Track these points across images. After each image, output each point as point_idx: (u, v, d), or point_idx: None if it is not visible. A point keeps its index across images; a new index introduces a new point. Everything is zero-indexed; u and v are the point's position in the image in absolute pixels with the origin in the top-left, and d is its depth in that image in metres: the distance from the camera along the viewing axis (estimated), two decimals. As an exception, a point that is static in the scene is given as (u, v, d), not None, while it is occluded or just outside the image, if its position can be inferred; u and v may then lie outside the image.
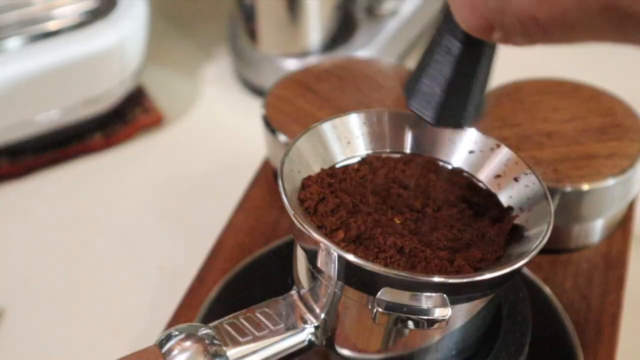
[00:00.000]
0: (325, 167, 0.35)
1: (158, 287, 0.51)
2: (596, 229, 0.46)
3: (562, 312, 0.41)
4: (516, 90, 0.49)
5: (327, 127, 0.36)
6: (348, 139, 0.37)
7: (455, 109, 0.30)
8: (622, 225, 0.47)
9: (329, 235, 0.32)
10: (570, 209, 0.43)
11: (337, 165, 0.36)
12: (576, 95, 0.48)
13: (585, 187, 0.42)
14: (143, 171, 0.61)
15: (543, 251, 0.45)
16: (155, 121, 0.64)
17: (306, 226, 0.31)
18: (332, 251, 0.30)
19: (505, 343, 0.36)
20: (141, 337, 0.47)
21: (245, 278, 0.44)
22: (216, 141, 0.63)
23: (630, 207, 0.48)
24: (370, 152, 0.37)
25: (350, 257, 0.30)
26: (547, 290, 0.42)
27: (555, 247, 0.45)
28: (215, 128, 0.65)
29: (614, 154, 0.44)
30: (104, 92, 0.60)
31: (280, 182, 0.32)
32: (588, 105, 0.47)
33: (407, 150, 0.37)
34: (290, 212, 0.31)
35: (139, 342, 0.47)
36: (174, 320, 0.43)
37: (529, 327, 0.36)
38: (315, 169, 0.35)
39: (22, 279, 0.52)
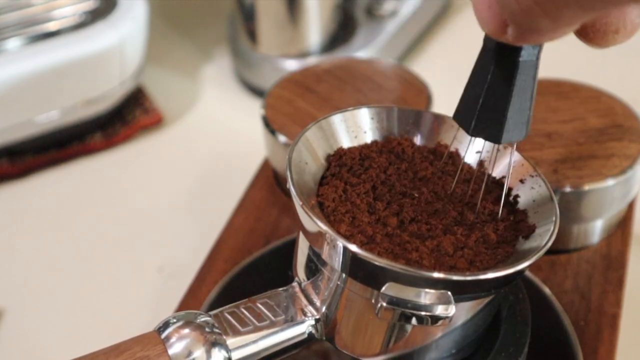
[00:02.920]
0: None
1: (158, 287, 0.51)
2: (596, 229, 0.46)
3: (562, 312, 0.41)
4: (516, 91, 0.49)
5: (337, 120, 0.36)
6: (356, 133, 0.37)
7: (493, 121, 0.31)
8: (622, 226, 0.47)
9: (337, 225, 0.32)
10: (569, 209, 0.43)
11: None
12: (576, 95, 0.48)
13: (584, 187, 0.42)
14: (143, 171, 0.61)
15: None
16: (155, 121, 0.64)
17: (313, 217, 0.31)
18: (338, 243, 0.30)
19: (504, 343, 0.36)
20: (141, 337, 0.47)
21: (245, 278, 0.44)
22: (216, 141, 0.63)
23: (630, 208, 0.48)
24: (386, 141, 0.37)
25: (358, 250, 0.30)
26: (547, 290, 0.42)
27: (555, 248, 0.45)
28: (215, 128, 0.65)
29: (613, 154, 0.44)
30: (104, 92, 0.60)
31: (288, 171, 0.32)
32: (588, 105, 0.47)
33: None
34: (298, 202, 0.31)
35: (138, 342, 0.47)
36: (174, 321, 0.43)
37: (529, 328, 0.36)
38: (323, 160, 0.35)
39: (22, 279, 0.52)
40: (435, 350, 0.33)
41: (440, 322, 0.30)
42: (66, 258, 0.53)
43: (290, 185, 0.32)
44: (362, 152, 0.36)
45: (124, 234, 0.55)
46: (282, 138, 0.47)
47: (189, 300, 0.44)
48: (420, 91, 0.50)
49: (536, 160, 0.43)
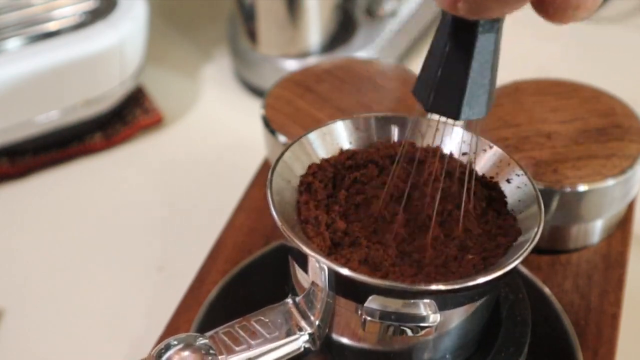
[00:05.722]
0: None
1: (158, 288, 0.51)
2: (596, 229, 0.46)
3: (562, 312, 0.41)
4: (516, 91, 0.49)
5: (314, 137, 0.36)
6: (341, 145, 0.37)
7: (451, 96, 0.29)
8: (622, 226, 0.47)
9: (316, 242, 0.32)
10: (569, 209, 0.43)
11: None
12: (576, 95, 0.48)
13: (584, 187, 0.42)
14: (143, 171, 0.61)
15: (543, 251, 0.45)
16: (155, 121, 0.64)
17: (295, 239, 0.31)
18: (320, 263, 0.30)
19: (504, 343, 0.36)
20: (140, 337, 0.47)
21: (245, 279, 0.44)
22: (216, 141, 0.63)
23: (630, 208, 0.48)
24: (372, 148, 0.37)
25: (336, 268, 0.30)
26: (547, 290, 0.42)
27: (555, 248, 0.45)
28: (215, 128, 0.65)
29: (613, 154, 0.44)
30: (104, 92, 0.60)
31: (268, 191, 0.33)
32: (588, 105, 0.47)
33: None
34: (279, 223, 0.31)
35: (138, 342, 0.47)
36: (174, 321, 0.43)
37: (528, 328, 0.36)
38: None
39: (22, 279, 0.52)
40: (429, 355, 0.33)
41: (425, 331, 0.31)
42: (66, 258, 0.53)
43: (272, 209, 0.32)
44: (342, 164, 0.36)
45: (123, 234, 0.55)
46: (282, 138, 0.47)
47: (189, 301, 0.44)
48: (420, 91, 0.50)
49: (536, 160, 0.43)
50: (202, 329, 0.41)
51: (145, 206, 0.57)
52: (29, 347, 0.48)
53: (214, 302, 0.42)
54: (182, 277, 0.47)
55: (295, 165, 0.35)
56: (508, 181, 0.35)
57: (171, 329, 0.43)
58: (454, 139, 0.37)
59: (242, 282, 0.44)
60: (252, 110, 0.62)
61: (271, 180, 0.33)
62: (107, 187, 0.59)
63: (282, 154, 0.35)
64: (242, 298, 0.43)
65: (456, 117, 0.30)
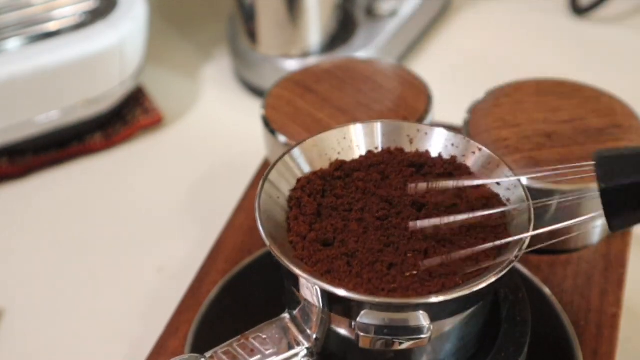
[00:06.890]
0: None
1: (158, 287, 0.51)
2: (596, 229, 0.46)
3: (562, 312, 0.41)
4: (516, 91, 0.49)
5: (301, 151, 0.36)
6: (329, 156, 0.37)
7: None
8: (622, 226, 0.47)
9: (304, 260, 0.32)
10: (569, 209, 0.43)
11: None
12: (576, 95, 0.48)
13: (584, 187, 0.42)
14: (143, 171, 0.61)
15: (542, 251, 0.45)
16: (155, 121, 0.64)
17: (284, 260, 0.31)
18: (311, 284, 0.31)
19: (504, 343, 0.36)
20: (140, 337, 0.47)
21: (245, 279, 0.44)
22: (216, 141, 0.63)
23: (630, 208, 0.48)
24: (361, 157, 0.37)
25: (327, 287, 0.30)
26: (547, 290, 0.42)
27: (555, 248, 0.45)
28: (215, 128, 0.65)
29: (613, 154, 0.44)
30: (104, 92, 0.60)
31: (257, 211, 0.33)
32: (588, 105, 0.47)
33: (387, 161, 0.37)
34: (267, 243, 0.32)
35: (138, 342, 0.47)
36: (174, 321, 0.43)
37: (528, 328, 0.36)
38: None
39: (22, 279, 0.52)
40: (429, 359, 0.33)
41: (418, 342, 0.31)
42: (66, 258, 0.53)
43: (261, 231, 0.32)
44: (331, 176, 0.36)
45: (123, 234, 0.55)
46: (282, 138, 0.47)
47: (189, 300, 0.44)
48: (420, 91, 0.50)
49: (536, 160, 0.43)
50: (202, 329, 0.41)
51: (145, 206, 0.57)
52: (29, 347, 0.48)
53: (214, 302, 0.42)
54: (182, 277, 0.47)
55: (284, 180, 0.35)
56: (498, 183, 0.35)
57: (171, 329, 0.43)
58: (442, 143, 0.37)
59: (242, 282, 0.44)
60: (252, 110, 0.62)
61: (260, 196, 0.33)
62: (107, 187, 0.59)
63: (270, 169, 0.35)
64: (242, 298, 0.43)
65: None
